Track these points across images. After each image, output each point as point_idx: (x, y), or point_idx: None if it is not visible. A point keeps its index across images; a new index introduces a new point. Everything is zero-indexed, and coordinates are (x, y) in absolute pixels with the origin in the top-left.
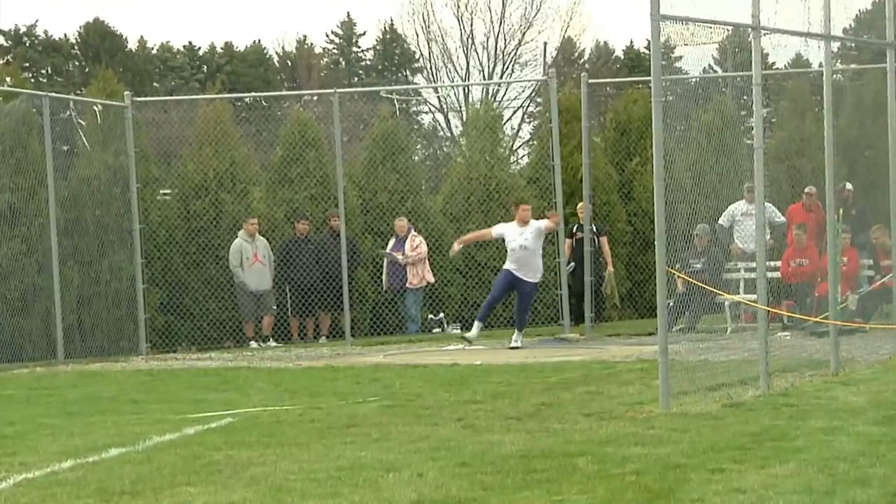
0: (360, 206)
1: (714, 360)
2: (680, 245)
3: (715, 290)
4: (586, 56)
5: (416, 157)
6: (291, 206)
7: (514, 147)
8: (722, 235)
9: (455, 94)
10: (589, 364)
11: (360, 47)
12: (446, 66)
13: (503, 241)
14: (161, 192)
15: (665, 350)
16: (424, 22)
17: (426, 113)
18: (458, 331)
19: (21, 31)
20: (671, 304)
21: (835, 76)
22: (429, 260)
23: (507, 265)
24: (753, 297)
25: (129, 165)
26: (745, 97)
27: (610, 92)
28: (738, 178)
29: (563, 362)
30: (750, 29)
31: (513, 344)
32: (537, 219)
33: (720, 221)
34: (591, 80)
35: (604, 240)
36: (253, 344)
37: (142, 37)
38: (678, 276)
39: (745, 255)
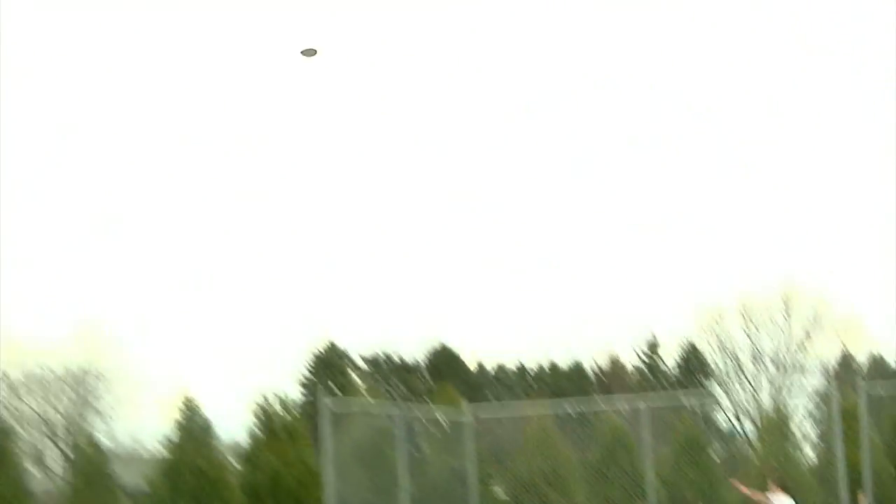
0: (667, 498)
1: None
2: None
3: None
4: (864, 367)
5: (716, 457)
6: (609, 502)
7: (802, 447)
8: None
9: (746, 400)
10: None
11: (661, 359)
12: (738, 376)
13: None
14: (495, 488)
15: None
16: (719, 339)
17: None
18: None
19: (380, 359)
20: None
21: None
22: None
23: None
24: None
25: (469, 467)
26: None
27: (887, 395)
28: None
29: None
30: None
31: None
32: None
33: None
34: (868, 392)
35: None
36: None
37: (480, 362)
38: None
39: None
